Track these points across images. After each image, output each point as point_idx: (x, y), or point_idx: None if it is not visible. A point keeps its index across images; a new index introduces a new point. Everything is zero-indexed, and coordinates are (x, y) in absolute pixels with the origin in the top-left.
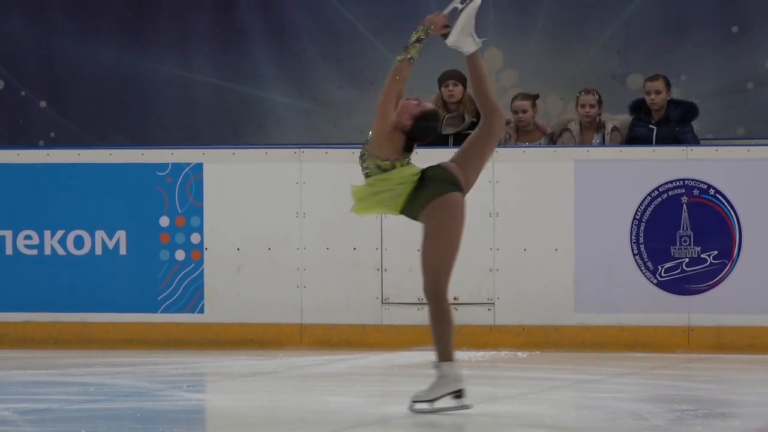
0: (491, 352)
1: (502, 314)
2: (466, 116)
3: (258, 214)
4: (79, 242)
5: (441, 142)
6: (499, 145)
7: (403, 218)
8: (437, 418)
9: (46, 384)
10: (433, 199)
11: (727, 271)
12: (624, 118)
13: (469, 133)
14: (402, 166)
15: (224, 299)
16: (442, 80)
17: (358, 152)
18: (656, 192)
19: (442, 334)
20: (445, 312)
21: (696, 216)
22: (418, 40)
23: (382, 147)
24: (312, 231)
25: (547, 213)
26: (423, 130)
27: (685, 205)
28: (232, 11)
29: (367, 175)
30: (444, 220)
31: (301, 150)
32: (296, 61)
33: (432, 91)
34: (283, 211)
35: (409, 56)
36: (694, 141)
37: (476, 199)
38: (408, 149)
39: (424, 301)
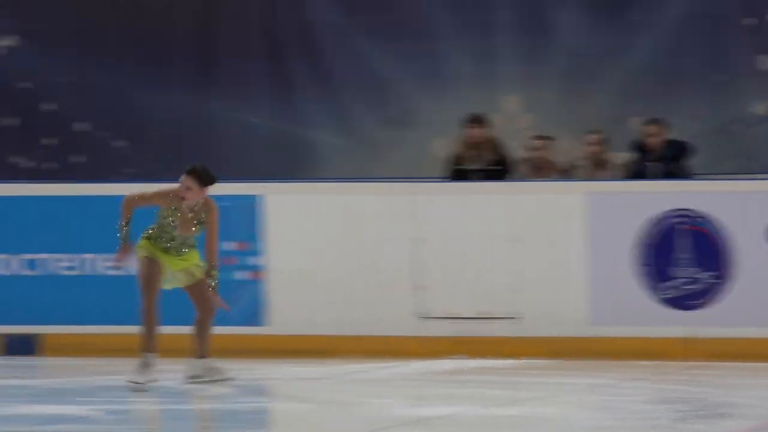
0: (516, 361)
1: (527, 327)
2: (487, 155)
3: (310, 239)
4: None
5: (464, 177)
6: (519, 180)
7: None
8: (465, 417)
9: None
10: None
11: (721, 289)
12: (627, 156)
13: (492, 170)
14: None
15: (284, 314)
16: (466, 123)
17: (398, 185)
18: (657, 220)
19: None
20: None
21: (692, 241)
22: None
23: None
24: (357, 253)
25: (564, 239)
26: None
27: (682, 232)
28: (285, 63)
29: None
30: None
31: (344, 183)
32: (340, 106)
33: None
34: (330, 237)
35: None
36: (688, 175)
37: (505, 228)
38: None
39: (457, 315)
